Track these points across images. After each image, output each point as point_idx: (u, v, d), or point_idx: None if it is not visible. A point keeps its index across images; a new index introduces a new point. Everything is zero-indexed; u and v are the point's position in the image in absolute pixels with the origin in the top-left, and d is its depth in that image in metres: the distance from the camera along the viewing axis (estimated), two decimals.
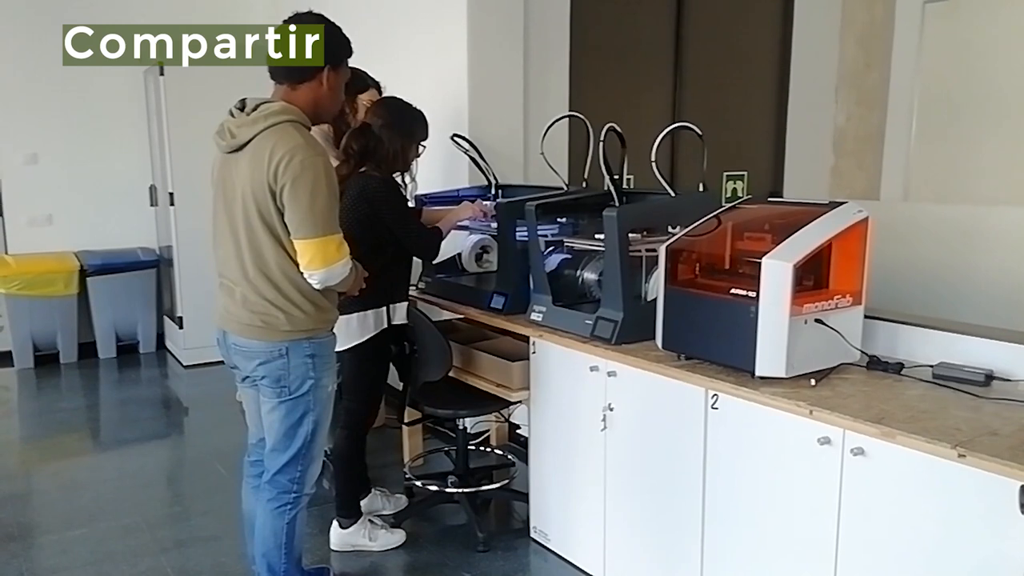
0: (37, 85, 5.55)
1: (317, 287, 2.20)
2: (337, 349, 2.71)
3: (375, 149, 2.85)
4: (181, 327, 5.56)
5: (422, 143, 3.00)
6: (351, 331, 2.81)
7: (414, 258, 3.08)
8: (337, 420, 2.99)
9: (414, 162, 3.03)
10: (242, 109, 2.21)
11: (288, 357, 2.22)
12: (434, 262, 3.32)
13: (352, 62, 2.37)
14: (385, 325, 2.89)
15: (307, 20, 2.22)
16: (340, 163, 2.84)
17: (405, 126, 2.92)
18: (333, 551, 2.99)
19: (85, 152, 5.76)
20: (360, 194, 2.79)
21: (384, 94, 3.36)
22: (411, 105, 2.99)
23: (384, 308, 2.88)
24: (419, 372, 3.07)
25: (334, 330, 2.39)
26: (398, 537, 3.04)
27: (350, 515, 3.00)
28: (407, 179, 3.10)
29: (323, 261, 2.15)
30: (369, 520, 3.04)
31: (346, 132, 3.24)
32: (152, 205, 5.97)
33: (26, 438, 4.43)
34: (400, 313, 2.95)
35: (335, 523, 3.01)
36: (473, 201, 3.18)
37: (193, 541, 3.11)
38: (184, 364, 5.58)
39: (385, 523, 3.08)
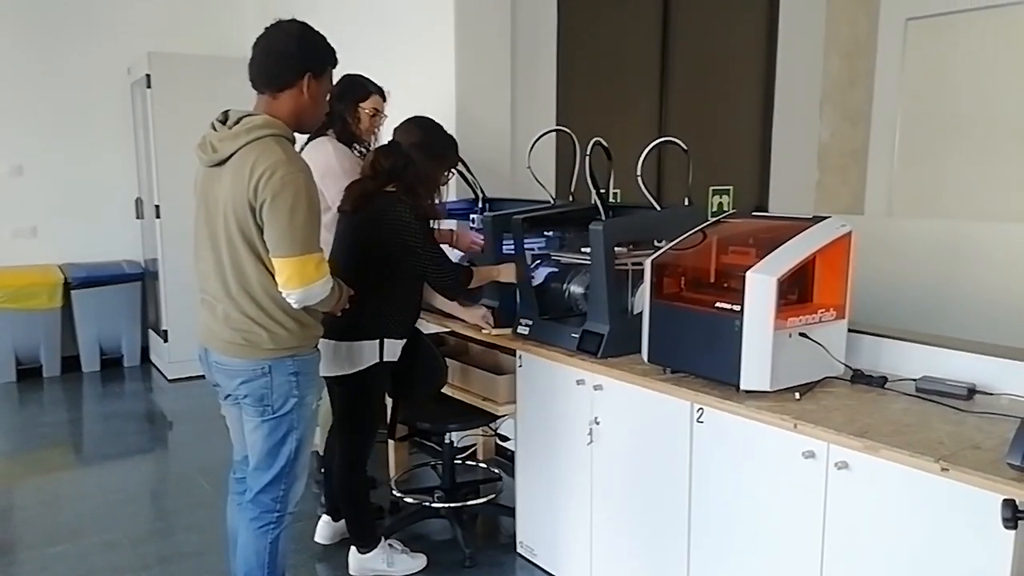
0: (22, 96, 5.53)
1: (295, 306, 2.14)
2: (324, 374, 2.65)
3: (403, 169, 2.66)
4: (166, 340, 5.53)
5: (452, 169, 2.85)
6: (339, 359, 2.66)
7: (420, 293, 2.81)
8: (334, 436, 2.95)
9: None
10: (224, 122, 2.16)
11: (271, 375, 2.17)
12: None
13: (340, 70, 2.35)
14: (376, 360, 2.68)
15: (286, 27, 2.17)
16: (367, 178, 2.70)
17: (437, 148, 2.75)
18: None
19: (70, 164, 5.73)
20: (382, 215, 2.62)
21: (388, 101, 3.26)
22: (442, 127, 2.83)
23: (377, 341, 2.68)
24: (413, 389, 2.95)
25: (321, 352, 2.35)
26: (419, 562, 2.93)
27: (368, 543, 2.87)
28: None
29: (301, 280, 2.08)
30: (389, 544, 2.91)
31: (352, 143, 3.16)
32: (138, 218, 5.94)
33: (7, 453, 4.37)
34: (393, 350, 2.73)
35: (353, 548, 2.89)
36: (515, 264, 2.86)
37: (176, 557, 3.08)
38: (168, 378, 5.54)
39: (406, 548, 2.96)
